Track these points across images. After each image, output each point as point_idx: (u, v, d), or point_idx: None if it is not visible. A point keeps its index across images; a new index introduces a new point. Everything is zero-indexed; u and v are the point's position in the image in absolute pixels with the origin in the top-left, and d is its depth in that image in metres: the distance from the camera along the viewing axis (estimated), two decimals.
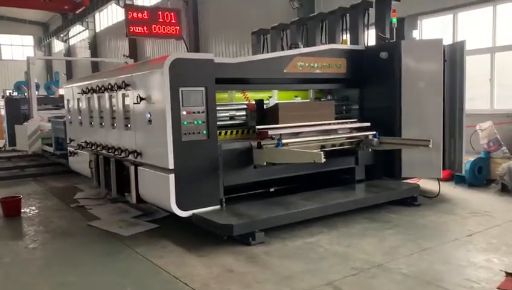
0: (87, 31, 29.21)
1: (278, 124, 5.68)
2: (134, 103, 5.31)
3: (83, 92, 7.31)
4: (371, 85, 6.75)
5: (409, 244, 4.61)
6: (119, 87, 5.88)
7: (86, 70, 30.43)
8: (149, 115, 5.25)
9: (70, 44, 34.22)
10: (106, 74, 6.93)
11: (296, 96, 6.71)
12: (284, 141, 5.18)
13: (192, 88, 4.99)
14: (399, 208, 5.98)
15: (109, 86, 6.15)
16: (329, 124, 6.13)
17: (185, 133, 4.97)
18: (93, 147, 7.13)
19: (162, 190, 5.06)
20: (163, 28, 11.41)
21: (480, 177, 7.26)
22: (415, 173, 6.58)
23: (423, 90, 6.34)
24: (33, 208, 6.90)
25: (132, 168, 5.69)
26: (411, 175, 6.61)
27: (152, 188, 5.37)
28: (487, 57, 8.64)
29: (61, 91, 24.53)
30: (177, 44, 18.94)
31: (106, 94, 6.47)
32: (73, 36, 33.22)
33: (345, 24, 7.76)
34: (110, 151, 6.36)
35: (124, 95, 5.91)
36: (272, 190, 6.08)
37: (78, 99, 7.86)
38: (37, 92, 18.25)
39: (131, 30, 11.15)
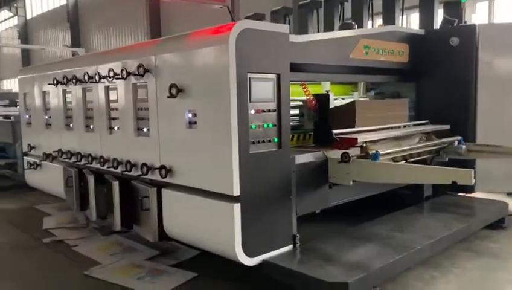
0: (16, 17, 25.64)
1: (353, 127, 4.22)
2: (168, 97, 3.56)
3: (56, 83, 5.33)
4: (432, 78, 5.45)
5: None
6: (129, 74, 4.08)
7: (15, 63, 26.80)
8: (190, 115, 3.54)
9: None
10: (97, 57, 5.04)
11: (353, 92, 5.28)
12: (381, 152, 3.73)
13: (262, 75, 3.38)
14: (487, 232, 4.77)
15: (109, 74, 4.30)
16: (405, 126, 4.79)
17: (253, 142, 3.35)
18: (72, 159, 5.19)
19: (218, 227, 3.40)
20: None
21: None
22: (493, 187, 5.40)
23: (506, 85, 5.19)
24: None
25: (153, 191, 3.93)
26: (487, 189, 5.43)
27: (194, 222, 3.66)
28: None
29: None
30: (138, 36, 16.74)
31: (99, 85, 4.60)
32: None
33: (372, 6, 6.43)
34: (107, 165, 4.52)
35: (136, 86, 4.12)
36: (317, 211, 4.59)
37: (45, 92, 5.82)
38: None
39: None
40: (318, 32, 7.12)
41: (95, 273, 3.92)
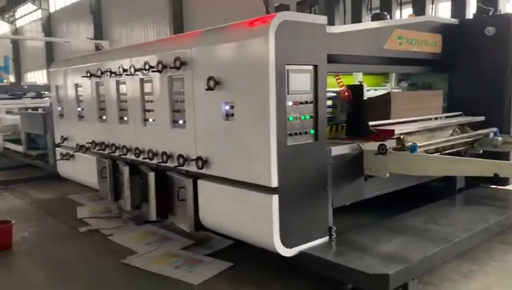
0: (39, 11, 26.03)
1: (389, 119, 4.19)
2: (206, 89, 3.59)
3: (89, 76, 5.42)
4: (466, 68, 5.35)
5: None
6: (165, 67, 4.13)
7: (39, 56, 27.28)
8: (227, 107, 3.57)
9: (18, 26, 30.63)
10: (131, 50, 5.10)
11: (386, 83, 5.23)
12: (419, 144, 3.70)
13: (299, 67, 3.38)
14: None
15: (144, 66, 4.35)
16: (438, 118, 4.73)
17: (291, 134, 3.36)
18: (107, 150, 5.29)
19: (255, 218, 3.44)
20: None
21: None
22: None
23: None
24: (26, 234, 4.98)
25: (189, 182, 3.99)
26: None
27: (230, 213, 3.71)
28: None
29: (11, 78, 21.66)
30: (160, 28, 16.84)
31: (133, 78, 4.67)
32: (21, 17, 29.70)
33: None
34: (143, 156, 4.60)
35: (172, 79, 4.16)
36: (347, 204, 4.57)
37: (78, 85, 5.93)
38: None
39: None
40: (345, 22, 7.05)
41: (133, 262, 4.00)
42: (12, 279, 3.91)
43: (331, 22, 6.95)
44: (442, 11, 7.33)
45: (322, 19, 3.51)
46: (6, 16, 29.53)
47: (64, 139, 6.43)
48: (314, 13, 7.62)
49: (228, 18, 3.56)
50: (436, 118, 4.70)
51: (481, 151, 4.87)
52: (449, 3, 5.95)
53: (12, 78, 21.39)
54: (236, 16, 4.49)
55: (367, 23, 4.97)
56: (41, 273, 4.01)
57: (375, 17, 5.32)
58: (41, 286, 3.74)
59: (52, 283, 3.80)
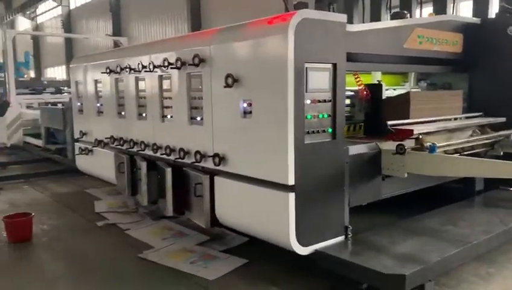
0: (60, 7, 26.41)
1: (407, 118, 4.15)
2: (224, 87, 3.61)
3: (109, 72, 5.49)
4: (487, 69, 5.26)
5: None
6: (183, 64, 4.16)
7: (58, 52, 27.72)
8: (245, 105, 3.59)
9: (38, 22, 31.13)
10: (150, 46, 5.15)
11: (405, 82, 5.18)
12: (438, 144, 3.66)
13: (318, 65, 3.37)
14: None
15: (163, 63, 4.39)
16: (457, 119, 4.66)
17: (308, 132, 3.36)
18: (125, 146, 5.36)
19: (271, 215, 3.44)
20: None
21: None
22: None
23: None
24: (45, 227, 5.08)
25: (206, 178, 4.02)
26: None
27: (247, 210, 3.73)
28: None
29: (32, 73, 22.06)
30: (178, 25, 16.95)
31: (152, 74, 4.71)
32: (42, 13, 30.17)
33: None
34: (160, 152, 4.64)
35: (190, 76, 4.19)
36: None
37: (97, 81, 6.01)
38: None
39: None
40: (363, 21, 7.00)
41: (150, 257, 4.05)
42: (32, 271, 3.99)
43: (349, 21, 6.89)
44: (463, 11, 7.20)
45: (342, 17, 3.49)
46: (28, 12, 30.04)
47: (83, 134, 6.53)
48: (333, 11, 7.59)
49: (246, 16, 3.58)
50: (455, 119, 4.64)
51: (501, 153, 4.79)
52: (470, 3, 5.86)
53: (32, 74, 21.76)
54: (254, 14, 4.49)
55: (387, 22, 4.92)
56: (60, 266, 4.09)
57: (395, 16, 5.26)
58: (60, 279, 3.80)
59: (71, 276, 3.87)
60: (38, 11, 30.32)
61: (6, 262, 4.16)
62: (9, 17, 32.34)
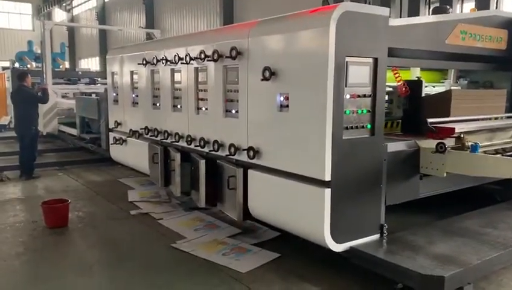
0: (94, 0, 26.94)
1: (447, 116, 4.03)
2: (261, 80, 3.59)
3: (145, 63, 5.56)
4: None
5: None
6: (220, 57, 4.16)
7: (92, 44, 28.31)
8: (282, 98, 3.56)
9: (74, 14, 31.84)
10: (187, 39, 5.17)
11: (445, 79, 5.03)
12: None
13: (359, 59, 3.30)
14: None
15: (200, 55, 4.40)
16: (498, 118, 4.50)
17: (347, 128, 3.30)
18: (159, 136, 5.42)
19: (306, 211, 3.41)
20: None
21: None
22: None
23: None
24: (80, 214, 5.21)
25: (240, 171, 4.02)
26: None
27: (280, 204, 3.71)
28: None
29: (67, 64, 22.57)
30: (210, 18, 17.03)
31: (188, 66, 4.73)
32: (78, 5, 30.84)
33: None
34: (194, 144, 4.67)
35: (226, 68, 4.19)
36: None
37: (133, 72, 6.10)
38: (35, 64, 16.31)
39: None
40: (400, 16, 6.84)
41: (182, 247, 4.09)
42: (69, 257, 4.09)
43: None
44: (507, 6, 6.93)
45: (385, 11, 3.41)
46: (64, 4, 30.77)
47: (117, 124, 6.64)
48: (369, 4, 7.44)
49: (279, 9, 3.53)
50: (496, 118, 4.47)
51: None
52: None
53: (67, 64, 22.29)
54: (287, 7, 4.42)
55: (429, 17, 4.78)
56: (95, 253, 4.17)
57: (436, 11, 5.12)
58: (95, 265, 3.88)
59: (106, 263, 3.95)
60: (74, 3, 31.00)
61: (45, 247, 4.28)
62: (46, 9, 33.23)
